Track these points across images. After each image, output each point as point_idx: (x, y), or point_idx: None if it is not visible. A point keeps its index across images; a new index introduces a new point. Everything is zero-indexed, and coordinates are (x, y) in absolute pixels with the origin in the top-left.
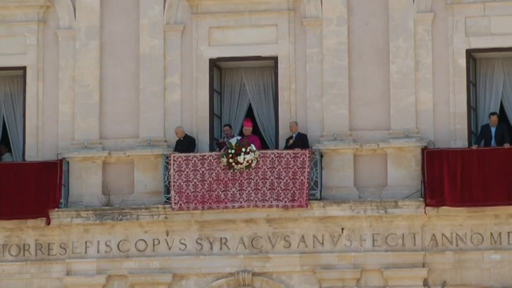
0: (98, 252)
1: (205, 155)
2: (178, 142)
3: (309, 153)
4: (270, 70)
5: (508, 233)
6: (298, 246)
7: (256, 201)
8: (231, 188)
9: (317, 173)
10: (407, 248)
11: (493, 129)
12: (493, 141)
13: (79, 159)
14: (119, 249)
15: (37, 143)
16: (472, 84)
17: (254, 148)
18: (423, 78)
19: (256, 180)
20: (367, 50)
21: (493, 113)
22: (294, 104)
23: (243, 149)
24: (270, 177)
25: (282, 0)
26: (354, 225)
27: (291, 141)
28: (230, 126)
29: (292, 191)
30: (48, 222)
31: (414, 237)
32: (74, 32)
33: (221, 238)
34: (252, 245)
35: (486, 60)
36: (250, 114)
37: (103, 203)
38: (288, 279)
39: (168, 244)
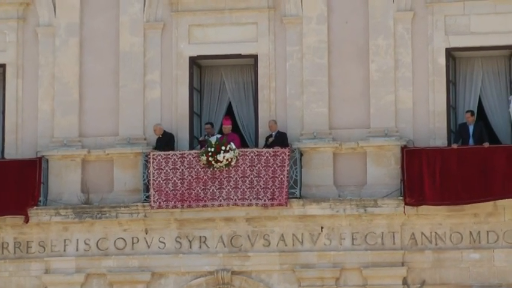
0: (77, 250)
1: (184, 153)
2: (158, 140)
3: (288, 152)
4: (249, 68)
5: (487, 232)
6: (277, 245)
7: (235, 200)
8: (210, 187)
9: (297, 172)
10: (386, 246)
11: (470, 128)
12: (470, 140)
13: (58, 157)
14: (98, 247)
15: (16, 141)
16: (451, 83)
17: (234, 146)
18: (403, 76)
19: (236, 178)
20: (347, 48)
21: (469, 111)
22: (273, 102)
23: (223, 148)
24: (249, 175)
25: None
26: (333, 224)
27: (270, 140)
28: (212, 124)
29: (271, 190)
30: (26, 220)
31: (393, 236)
32: (54, 29)
33: (200, 237)
34: (232, 244)
35: (466, 59)
36: (230, 113)
37: (82, 201)
38: (267, 278)
39: (147, 242)
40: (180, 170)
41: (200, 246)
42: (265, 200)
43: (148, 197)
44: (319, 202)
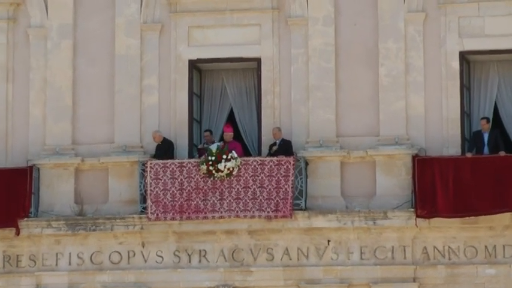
0: (70, 264)
1: (183, 162)
2: (158, 147)
3: (293, 161)
4: (252, 72)
5: (504, 245)
6: (281, 259)
7: (237, 211)
8: (211, 197)
9: (302, 182)
10: (397, 261)
11: (485, 135)
12: (485, 148)
13: (50, 165)
14: (91, 261)
15: (6, 148)
16: (465, 88)
17: (235, 155)
18: (414, 81)
19: (238, 189)
20: (355, 52)
21: (484, 118)
22: (277, 108)
23: (224, 156)
24: (252, 185)
25: None
26: (340, 237)
27: (274, 148)
28: (211, 132)
29: (275, 201)
30: (17, 233)
31: (404, 250)
32: (46, 31)
33: (200, 250)
34: (233, 258)
35: (480, 63)
36: (231, 119)
37: (75, 212)
38: None
39: (144, 256)
40: (179, 180)
41: (200, 261)
42: (268, 212)
43: (145, 208)
44: (325, 214)
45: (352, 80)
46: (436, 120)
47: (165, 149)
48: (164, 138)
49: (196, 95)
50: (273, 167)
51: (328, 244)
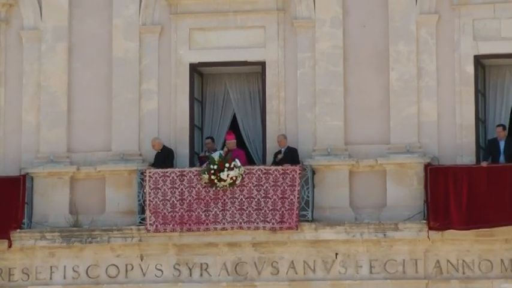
0: (65, 278)
1: (184, 171)
2: (157, 155)
3: (299, 170)
4: (256, 76)
5: None
6: (287, 273)
7: (240, 223)
8: (213, 208)
9: (308, 192)
10: (408, 275)
11: (501, 143)
12: (501, 157)
13: (44, 174)
14: (87, 275)
15: None
16: (480, 93)
17: (239, 163)
18: (426, 86)
19: (241, 199)
20: (364, 55)
21: (500, 125)
22: (283, 114)
23: (227, 165)
24: (256, 196)
25: (270, 0)
26: (349, 250)
27: (279, 156)
28: (213, 139)
29: (280, 212)
30: (9, 245)
31: (416, 264)
32: (40, 33)
33: (201, 264)
34: (236, 272)
35: (496, 67)
36: (234, 126)
37: (70, 223)
38: None
39: (142, 270)
40: (179, 190)
41: (201, 274)
42: (273, 223)
43: (143, 219)
44: (333, 226)
45: (362, 85)
46: (449, 127)
47: (164, 157)
48: (164, 146)
49: (197, 101)
50: (278, 176)
51: (336, 257)
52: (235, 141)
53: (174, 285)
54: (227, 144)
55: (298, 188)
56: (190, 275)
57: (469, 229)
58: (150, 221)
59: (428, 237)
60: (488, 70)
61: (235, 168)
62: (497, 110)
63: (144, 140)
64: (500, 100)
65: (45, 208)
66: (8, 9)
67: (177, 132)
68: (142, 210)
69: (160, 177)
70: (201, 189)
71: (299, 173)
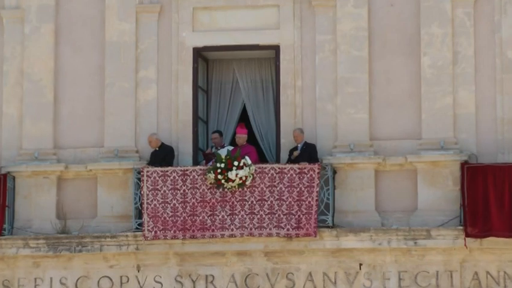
0: None
1: (187, 170)
2: (153, 154)
3: (318, 169)
4: (269, 62)
5: None
6: (304, 286)
7: (251, 229)
8: (219, 212)
9: (329, 194)
10: None
11: None
12: None
13: (27, 173)
14: None
15: None
16: None
17: (249, 161)
18: (463, 73)
19: (252, 202)
20: (392, 38)
21: None
22: (299, 106)
23: (235, 163)
24: (269, 198)
25: None
26: (375, 260)
27: (295, 154)
28: (220, 133)
29: (297, 216)
30: None
31: (451, 276)
32: (23, 13)
33: (207, 275)
34: (246, 285)
35: None
36: (244, 118)
37: (58, 229)
38: None
39: (139, 282)
40: (182, 191)
41: (206, 287)
42: (288, 229)
43: (141, 224)
44: (357, 232)
45: (389, 72)
46: (489, 120)
47: (162, 157)
48: (163, 143)
49: (202, 90)
50: (294, 176)
51: (360, 268)
52: (246, 136)
53: None
54: (236, 138)
55: (317, 190)
56: None
57: (511, 237)
58: (148, 226)
59: (465, 245)
60: None
61: (245, 167)
62: None
63: (141, 134)
64: None
65: (28, 212)
66: None
67: (178, 126)
68: (139, 215)
69: (159, 177)
70: (206, 190)
71: (318, 173)
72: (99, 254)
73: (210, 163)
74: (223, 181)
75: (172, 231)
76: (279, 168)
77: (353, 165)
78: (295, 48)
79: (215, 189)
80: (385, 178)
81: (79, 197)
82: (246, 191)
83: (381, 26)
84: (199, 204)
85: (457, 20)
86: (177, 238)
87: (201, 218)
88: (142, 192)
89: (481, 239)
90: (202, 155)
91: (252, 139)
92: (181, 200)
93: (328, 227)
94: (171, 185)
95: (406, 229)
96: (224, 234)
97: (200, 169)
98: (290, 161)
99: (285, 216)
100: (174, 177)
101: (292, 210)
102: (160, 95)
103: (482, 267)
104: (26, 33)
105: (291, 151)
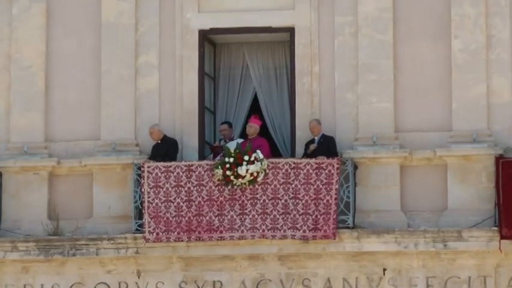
0: None
1: (192, 165)
2: (155, 147)
3: (337, 164)
4: (283, 46)
5: None
6: None
7: (263, 230)
8: (228, 212)
9: (349, 192)
10: None
11: None
12: None
13: (16, 169)
14: None
15: None
16: None
17: (261, 156)
18: (498, 59)
19: (264, 200)
20: (419, 20)
21: None
22: (316, 95)
23: (246, 157)
24: (283, 196)
25: None
26: (400, 264)
27: (312, 147)
28: (229, 124)
29: (314, 216)
30: None
31: (485, 282)
32: None
33: (214, 282)
34: None
35: None
36: (255, 108)
37: (49, 231)
38: None
39: None
40: (186, 189)
41: None
42: (305, 231)
43: (141, 225)
44: (380, 234)
45: (416, 58)
46: None
47: (164, 151)
48: (165, 136)
49: (209, 77)
50: (311, 171)
51: (384, 274)
52: (258, 127)
53: None
54: (248, 127)
55: (336, 187)
56: None
57: None
58: (149, 228)
59: (500, 248)
60: None
61: (256, 162)
62: None
63: (141, 126)
64: None
65: (17, 212)
66: None
67: (183, 117)
68: (139, 215)
69: (162, 173)
70: (213, 188)
71: (337, 168)
72: (95, 258)
73: (218, 157)
74: (232, 177)
75: (176, 233)
76: (294, 163)
77: (376, 159)
78: (312, 30)
79: (223, 187)
80: (411, 174)
81: (73, 196)
82: (257, 189)
83: (407, 7)
84: (205, 203)
85: None
86: (182, 240)
87: (207, 218)
88: (142, 190)
89: None
90: (209, 148)
91: (264, 131)
92: (185, 198)
93: (348, 228)
94: (174, 181)
95: (435, 230)
96: (233, 236)
97: (207, 164)
98: (306, 155)
99: (300, 217)
100: (178, 173)
101: (309, 209)
102: (163, 82)
103: None
104: (14, 14)
105: (307, 144)
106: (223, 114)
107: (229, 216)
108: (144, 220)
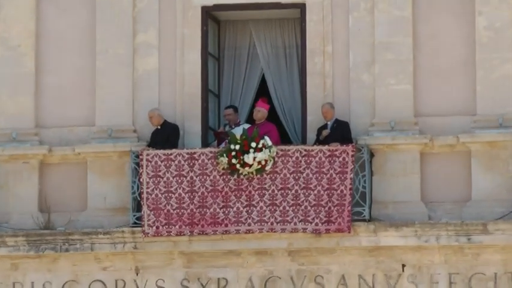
0: None
1: (195, 153)
2: (155, 133)
3: (352, 151)
4: (293, 24)
5: None
6: None
7: (272, 223)
8: (234, 203)
9: (365, 181)
10: None
11: None
12: None
13: (4, 158)
14: None
15: None
16: None
17: (269, 142)
18: None
19: (273, 191)
20: None
21: None
22: (329, 76)
23: (253, 144)
24: (293, 186)
25: None
26: (420, 260)
27: (325, 133)
28: (235, 108)
29: (326, 208)
30: None
31: None
32: None
33: (219, 279)
34: None
35: None
36: (263, 91)
37: (40, 224)
38: None
39: (138, 287)
40: (188, 178)
41: None
42: (317, 224)
43: (139, 218)
44: (398, 227)
45: (437, 35)
46: None
47: (165, 137)
48: (166, 121)
49: (213, 57)
50: (324, 159)
51: (403, 270)
52: (266, 111)
53: None
54: (255, 111)
55: (351, 176)
56: None
57: None
58: (148, 221)
59: None
60: None
61: (264, 149)
62: None
63: (140, 111)
64: None
65: (5, 204)
66: None
67: (184, 101)
68: (137, 207)
69: (162, 162)
70: (218, 177)
71: (352, 156)
72: (89, 254)
73: (223, 144)
74: (238, 166)
75: (177, 227)
76: (305, 150)
77: (394, 146)
78: (325, 6)
79: (229, 176)
80: (432, 162)
81: (65, 186)
82: (265, 178)
83: None
84: (209, 194)
85: None
86: (183, 235)
87: (211, 210)
88: (141, 180)
89: None
90: (213, 134)
91: (272, 116)
92: (188, 189)
93: (364, 220)
94: (175, 171)
95: (458, 223)
96: (239, 230)
97: (211, 152)
98: (318, 142)
99: (312, 209)
100: (180, 161)
101: (322, 201)
102: (163, 63)
103: None
104: None
105: (320, 130)
106: (228, 98)
107: (235, 208)
108: (142, 213)
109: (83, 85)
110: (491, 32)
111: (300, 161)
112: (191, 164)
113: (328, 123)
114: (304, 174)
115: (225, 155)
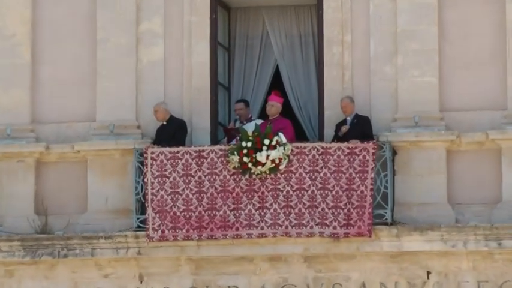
0: None
1: (203, 151)
2: (160, 130)
3: (373, 149)
4: (310, 11)
5: None
6: None
7: (287, 227)
8: (246, 205)
9: (387, 181)
10: None
11: None
12: None
13: None
14: None
15: None
16: None
17: (284, 139)
18: None
19: (288, 192)
20: None
21: None
22: (348, 68)
23: (266, 141)
24: (309, 187)
25: None
26: (447, 266)
27: (344, 129)
28: (246, 102)
29: (345, 210)
30: None
31: None
32: None
33: (229, 287)
34: None
35: None
36: (277, 84)
37: (37, 228)
38: None
39: None
40: (196, 178)
41: None
42: (335, 228)
43: (144, 222)
44: (423, 231)
45: (465, 24)
46: None
47: (171, 133)
48: (172, 116)
49: (223, 47)
50: (343, 157)
51: (428, 277)
52: (280, 106)
53: None
54: (268, 107)
55: (372, 176)
56: None
57: None
58: (153, 224)
59: None
60: None
61: (278, 147)
62: None
63: (144, 105)
64: None
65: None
66: None
67: (192, 94)
68: (141, 209)
69: (168, 160)
70: (228, 177)
71: (373, 154)
72: (90, 260)
73: (233, 141)
74: (250, 165)
75: (184, 231)
76: (322, 148)
77: (418, 143)
78: None
79: (240, 176)
80: (459, 160)
81: (64, 187)
82: (279, 178)
83: None
84: (219, 195)
85: None
86: (191, 239)
87: (221, 213)
88: (145, 180)
89: None
90: (223, 131)
91: (287, 110)
92: (196, 189)
93: (386, 224)
94: (183, 170)
95: (488, 227)
96: (252, 234)
97: (220, 149)
98: (337, 138)
99: (330, 211)
100: (187, 160)
101: (340, 202)
102: (169, 54)
103: None
104: None
105: (338, 126)
106: (239, 91)
107: (246, 211)
108: (147, 215)
109: (83, 77)
110: None
111: (317, 160)
112: (199, 162)
113: (348, 118)
114: (322, 174)
115: (236, 153)
